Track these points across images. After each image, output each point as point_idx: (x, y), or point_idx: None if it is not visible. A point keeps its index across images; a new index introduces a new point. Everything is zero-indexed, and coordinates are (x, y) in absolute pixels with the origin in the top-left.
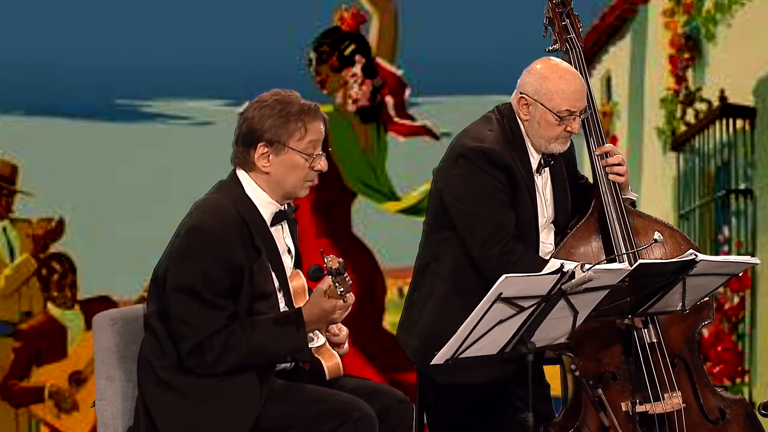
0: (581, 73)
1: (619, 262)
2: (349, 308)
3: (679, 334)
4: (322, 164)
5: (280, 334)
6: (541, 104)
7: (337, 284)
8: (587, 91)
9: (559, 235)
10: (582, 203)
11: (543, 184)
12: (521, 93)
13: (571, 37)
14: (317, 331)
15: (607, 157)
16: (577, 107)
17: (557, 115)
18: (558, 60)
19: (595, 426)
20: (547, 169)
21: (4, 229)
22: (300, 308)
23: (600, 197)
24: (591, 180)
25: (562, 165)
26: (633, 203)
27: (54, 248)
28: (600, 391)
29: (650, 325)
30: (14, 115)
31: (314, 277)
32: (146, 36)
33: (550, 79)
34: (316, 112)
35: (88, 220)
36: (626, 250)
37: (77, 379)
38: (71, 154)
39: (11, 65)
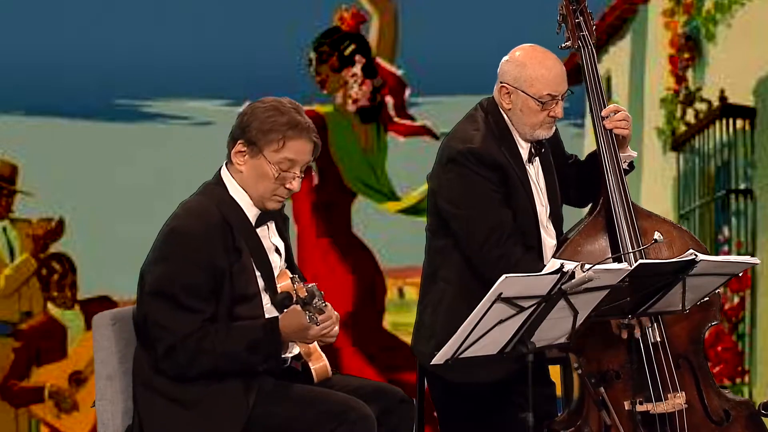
0: (593, 71)
1: (626, 261)
2: (329, 329)
3: (685, 335)
4: (294, 185)
5: (253, 342)
6: (522, 91)
7: (307, 312)
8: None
9: (559, 228)
10: (588, 175)
11: (536, 173)
12: (502, 82)
13: (583, 35)
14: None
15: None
16: (559, 91)
17: (539, 101)
18: (536, 46)
19: (597, 425)
20: (537, 159)
21: (4, 229)
22: (277, 317)
23: (608, 194)
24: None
25: (549, 152)
26: (631, 164)
27: (54, 248)
28: (602, 389)
29: (654, 325)
30: (14, 115)
31: (282, 306)
32: (146, 36)
33: (529, 66)
34: (303, 131)
35: (88, 220)
36: (632, 249)
37: (77, 379)
38: (71, 154)
39: (11, 65)
